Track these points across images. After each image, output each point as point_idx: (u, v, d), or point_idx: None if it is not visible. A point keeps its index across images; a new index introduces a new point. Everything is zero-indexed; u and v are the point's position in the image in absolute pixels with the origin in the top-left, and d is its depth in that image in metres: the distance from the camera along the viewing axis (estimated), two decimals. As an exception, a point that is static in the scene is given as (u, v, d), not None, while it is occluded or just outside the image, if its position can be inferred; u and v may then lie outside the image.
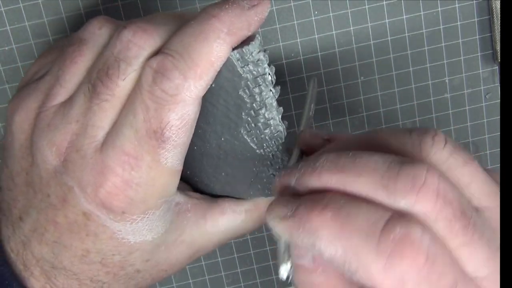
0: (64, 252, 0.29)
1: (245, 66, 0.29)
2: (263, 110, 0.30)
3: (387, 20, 0.41)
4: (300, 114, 0.42)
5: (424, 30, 0.41)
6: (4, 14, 0.39)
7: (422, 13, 0.41)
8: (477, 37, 0.41)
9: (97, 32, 0.31)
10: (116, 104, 0.28)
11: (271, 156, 0.31)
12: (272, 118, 0.30)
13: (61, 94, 0.30)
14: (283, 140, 0.31)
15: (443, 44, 0.41)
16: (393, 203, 0.23)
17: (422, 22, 0.41)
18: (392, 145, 0.25)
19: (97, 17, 0.31)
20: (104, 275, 0.30)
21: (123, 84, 0.28)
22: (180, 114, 0.27)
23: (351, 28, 0.41)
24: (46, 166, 0.29)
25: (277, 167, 0.31)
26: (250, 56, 0.29)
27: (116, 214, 0.28)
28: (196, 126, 0.30)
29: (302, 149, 0.32)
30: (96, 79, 0.29)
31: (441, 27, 0.41)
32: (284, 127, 0.31)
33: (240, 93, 0.29)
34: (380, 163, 0.23)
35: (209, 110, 0.30)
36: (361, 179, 0.24)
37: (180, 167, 0.29)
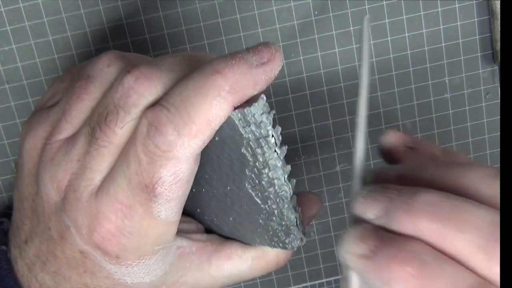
0: (64, 283, 0.29)
1: (247, 127, 0.27)
2: (266, 170, 0.28)
3: (387, 20, 0.41)
4: (299, 114, 0.42)
5: (424, 30, 0.41)
6: (4, 14, 0.39)
7: (422, 13, 0.41)
8: (477, 37, 0.41)
9: (105, 70, 0.30)
10: (114, 150, 0.28)
11: (276, 213, 0.30)
12: (276, 178, 0.28)
13: (67, 130, 0.30)
14: (289, 199, 0.29)
15: (443, 44, 0.41)
16: (488, 270, 0.21)
17: (422, 22, 0.41)
18: (485, 193, 0.23)
19: (107, 52, 0.31)
20: None
21: (121, 132, 0.27)
22: (173, 171, 0.26)
23: (352, 28, 0.41)
24: (48, 200, 0.29)
25: (283, 223, 0.30)
26: (252, 118, 0.27)
27: (111, 257, 0.28)
28: (203, 171, 0.29)
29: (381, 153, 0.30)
30: (96, 124, 0.29)
31: (441, 27, 0.41)
32: (290, 186, 0.29)
33: (242, 151, 0.28)
34: (486, 221, 0.21)
35: (214, 159, 0.29)
36: (463, 236, 0.21)
37: (176, 218, 0.28)
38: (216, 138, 0.28)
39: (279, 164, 0.28)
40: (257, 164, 0.28)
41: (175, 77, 0.28)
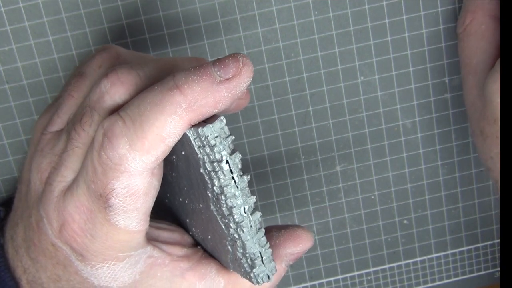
0: (41, 270, 0.30)
1: (201, 147, 0.26)
2: (223, 197, 0.27)
3: (387, 20, 0.41)
4: (299, 114, 0.42)
5: (424, 30, 0.41)
6: (4, 14, 0.39)
7: (422, 13, 0.41)
8: (477, 37, 0.41)
9: (97, 70, 0.31)
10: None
11: (238, 243, 0.28)
12: (235, 207, 0.27)
13: (57, 124, 0.31)
14: (251, 232, 0.28)
15: (443, 44, 0.41)
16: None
17: (422, 22, 0.41)
18: None
19: (105, 50, 0.31)
20: None
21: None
22: (126, 184, 0.26)
23: (351, 28, 0.41)
24: (34, 188, 0.30)
25: (246, 255, 0.29)
26: (205, 140, 0.25)
27: (77, 255, 0.28)
28: (182, 183, 0.29)
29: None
30: (72, 124, 0.29)
31: (441, 27, 0.41)
32: (251, 219, 0.27)
33: (201, 171, 0.27)
34: None
35: (186, 174, 0.29)
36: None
37: (139, 228, 0.28)
38: (183, 153, 0.27)
39: (237, 193, 0.26)
40: (214, 188, 0.27)
41: (150, 84, 0.27)
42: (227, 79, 0.25)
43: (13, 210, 0.32)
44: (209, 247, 0.32)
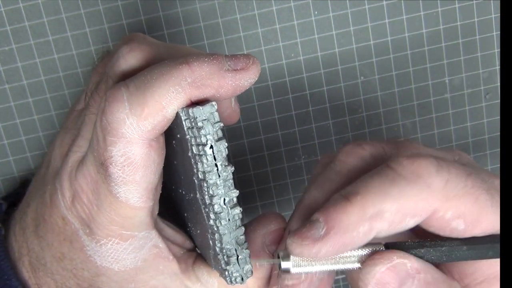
0: (47, 249, 0.30)
1: (190, 129, 0.26)
2: (205, 184, 0.27)
3: (387, 20, 0.41)
4: (299, 114, 0.42)
5: (424, 30, 0.41)
6: (4, 14, 0.39)
7: (422, 13, 0.41)
8: (477, 37, 0.41)
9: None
10: None
11: (216, 236, 0.28)
12: (216, 196, 0.27)
13: (83, 101, 0.32)
14: (228, 227, 0.28)
15: (443, 44, 0.41)
16: None
17: (422, 22, 0.41)
18: None
19: (132, 36, 0.31)
20: (75, 286, 0.30)
21: None
22: (123, 151, 0.26)
23: (351, 28, 0.41)
24: (54, 164, 0.31)
25: (224, 250, 0.28)
26: (194, 121, 0.26)
27: (85, 227, 0.29)
28: (178, 171, 0.29)
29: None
30: (90, 91, 0.29)
31: (441, 27, 0.41)
32: (230, 213, 0.27)
33: (189, 154, 0.27)
34: None
35: (180, 161, 0.28)
36: None
37: (141, 205, 0.28)
38: (178, 136, 0.27)
39: (219, 182, 0.27)
40: (199, 174, 0.27)
41: (166, 57, 0.28)
42: (235, 70, 0.26)
43: (27, 193, 0.33)
44: (198, 243, 0.32)
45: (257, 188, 0.43)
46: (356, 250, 0.27)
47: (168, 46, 0.30)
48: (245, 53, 0.27)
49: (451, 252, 0.27)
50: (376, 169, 0.28)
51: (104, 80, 0.29)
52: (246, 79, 0.27)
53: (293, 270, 0.27)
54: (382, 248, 0.27)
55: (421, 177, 0.26)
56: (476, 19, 0.41)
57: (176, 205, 0.33)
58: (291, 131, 0.42)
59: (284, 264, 0.27)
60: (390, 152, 0.29)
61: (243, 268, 0.29)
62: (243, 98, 0.41)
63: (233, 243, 0.28)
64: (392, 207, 0.26)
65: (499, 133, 0.43)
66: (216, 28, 0.40)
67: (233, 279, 0.29)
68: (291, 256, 0.27)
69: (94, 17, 0.39)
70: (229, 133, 0.42)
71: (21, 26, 0.39)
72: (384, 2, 0.40)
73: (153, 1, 0.39)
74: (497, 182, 0.28)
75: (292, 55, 0.41)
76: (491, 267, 0.28)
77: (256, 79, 0.27)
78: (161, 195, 0.31)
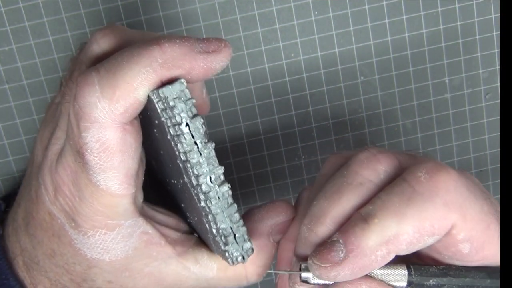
0: (38, 247, 0.30)
1: (163, 111, 0.26)
2: (188, 165, 0.26)
3: (387, 20, 0.41)
4: (299, 114, 0.42)
5: (424, 30, 0.41)
6: (4, 14, 0.39)
7: (422, 13, 0.41)
8: (477, 37, 0.41)
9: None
10: None
11: (209, 217, 0.28)
12: (201, 175, 0.26)
13: (60, 93, 0.31)
14: (220, 205, 0.27)
15: (443, 44, 0.41)
16: None
17: (422, 22, 0.41)
18: None
19: (107, 25, 0.30)
20: (69, 282, 0.30)
21: None
22: (97, 137, 0.26)
23: (351, 28, 0.41)
24: (37, 159, 0.30)
25: (220, 231, 0.28)
26: (165, 101, 0.25)
27: (70, 221, 0.28)
28: (166, 161, 0.29)
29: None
30: (65, 80, 0.29)
31: (441, 27, 0.41)
32: (218, 189, 0.27)
33: (168, 137, 0.26)
34: None
35: (164, 146, 0.28)
36: None
37: (123, 192, 0.27)
38: (156, 122, 0.27)
39: (202, 160, 0.26)
40: (181, 156, 0.26)
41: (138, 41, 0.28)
42: (206, 52, 0.26)
43: (18, 194, 0.33)
44: (198, 230, 0.31)
45: (257, 188, 0.43)
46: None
47: (143, 33, 0.30)
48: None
49: (473, 284, 0.27)
50: (393, 184, 0.27)
51: (77, 67, 0.29)
52: (218, 61, 0.27)
53: (313, 281, 0.28)
54: (405, 268, 0.27)
55: (439, 194, 0.26)
56: (476, 19, 0.41)
57: (173, 198, 0.33)
58: (291, 131, 0.42)
59: (304, 275, 0.28)
60: (406, 163, 0.28)
61: (242, 247, 0.28)
62: (243, 98, 0.41)
63: (228, 222, 0.28)
64: (409, 229, 0.25)
65: (499, 133, 0.43)
66: (216, 28, 0.40)
67: (234, 259, 0.29)
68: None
69: (94, 17, 0.39)
70: (229, 133, 0.42)
71: (21, 26, 0.39)
72: (384, 2, 0.40)
73: (153, 1, 0.39)
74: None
75: (292, 55, 0.41)
76: None
77: (227, 62, 0.27)
78: (160, 192, 0.31)
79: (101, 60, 0.27)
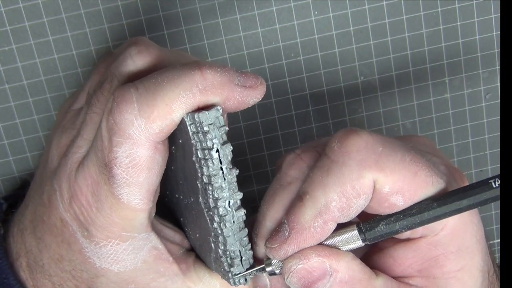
0: (45, 251, 0.30)
1: (195, 134, 0.26)
2: (210, 187, 0.27)
3: (387, 20, 0.41)
4: (299, 114, 0.42)
5: (424, 30, 0.41)
6: (4, 14, 0.39)
7: (422, 13, 0.41)
8: (477, 37, 0.41)
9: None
10: None
11: (220, 239, 0.28)
12: (220, 199, 0.27)
13: (82, 99, 0.31)
14: (233, 229, 0.28)
15: (443, 44, 0.41)
16: None
17: (422, 22, 0.41)
18: None
19: (137, 39, 0.31)
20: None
21: None
22: (128, 153, 0.26)
23: (351, 28, 0.41)
24: (51, 164, 0.30)
25: (227, 252, 0.29)
26: (199, 126, 0.26)
27: (83, 230, 0.28)
28: (177, 176, 0.29)
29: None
30: (93, 91, 0.29)
31: (441, 27, 0.41)
32: (235, 214, 0.28)
33: (193, 159, 0.27)
34: None
35: (181, 165, 0.29)
36: None
37: (142, 207, 0.28)
38: (180, 141, 0.27)
39: (224, 185, 0.27)
40: (204, 178, 0.27)
41: (170, 61, 0.28)
42: (243, 86, 0.27)
43: (26, 196, 0.33)
44: (197, 247, 0.32)
45: (257, 188, 0.43)
46: (331, 236, 0.28)
47: (173, 52, 0.30)
48: (249, 70, 0.27)
49: (422, 214, 0.27)
50: (317, 161, 0.29)
51: (109, 80, 0.29)
52: (252, 97, 0.28)
53: (278, 272, 0.29)
54: (354, 229, 0.28)
55: (350, 156, 0.27)
56: (476, 19, 0.41)
57: (170, 210, 0.33)
58: (291, 131, 0.42)
59: (268, 269, 0.29)
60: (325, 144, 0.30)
61: (246, 269, 0.29)
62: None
63: (237, 245, 0.29)
64: (335, 196, 0.27)
65: (499, 133, 0.43)
66: (216, 28, 0.40)
67: (236, 280, 0.29)
68: (273, 261, 0.29)
69: (94, 17, 0.39)
70: (229, 133, 0.42)
71: (21, 26, 0.39)
72: (384, 2, 0.40)
73: (153, 1, 0.39)
74: (438, 160, 0.29)
75: (292, 55, 0.41)
76: (430, 252, 0.29)
77: (260, 99, 0.28)
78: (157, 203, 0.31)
79: (134, 77, 0.27)
